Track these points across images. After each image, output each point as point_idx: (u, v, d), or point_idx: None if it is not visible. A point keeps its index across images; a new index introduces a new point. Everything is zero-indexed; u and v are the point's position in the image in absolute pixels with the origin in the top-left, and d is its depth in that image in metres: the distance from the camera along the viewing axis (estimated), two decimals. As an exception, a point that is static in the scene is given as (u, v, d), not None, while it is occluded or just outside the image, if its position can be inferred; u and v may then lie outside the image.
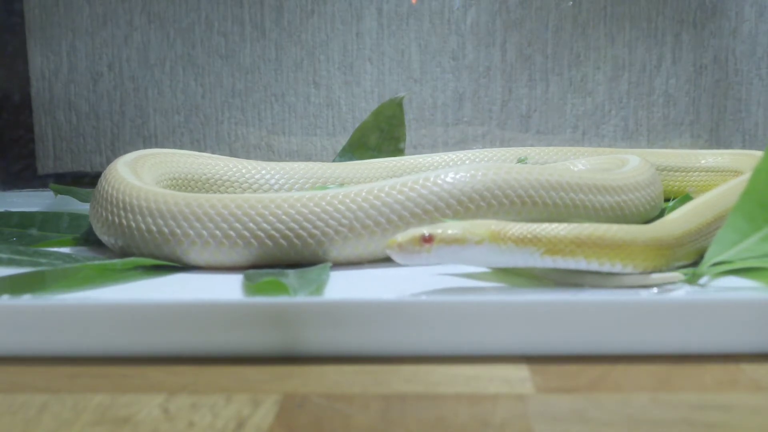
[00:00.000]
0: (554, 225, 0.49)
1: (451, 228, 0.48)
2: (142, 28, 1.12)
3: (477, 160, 0.90)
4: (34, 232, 0.70)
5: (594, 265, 0.48)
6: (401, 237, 0.47)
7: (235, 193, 0.77)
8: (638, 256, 0.49)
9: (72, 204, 0.84)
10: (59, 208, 0.83)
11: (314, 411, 0.35)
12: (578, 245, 0.48)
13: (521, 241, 0.48)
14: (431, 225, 0.49)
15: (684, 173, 0.88)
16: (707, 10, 1.07)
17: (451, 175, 0.60)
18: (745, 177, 0.59)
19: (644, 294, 0.48)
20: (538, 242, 0.48)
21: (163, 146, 1.12)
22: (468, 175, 0.60)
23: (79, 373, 0.40)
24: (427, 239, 0.47)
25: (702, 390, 0.37)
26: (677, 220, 0.53)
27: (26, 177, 1.14)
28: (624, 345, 0.41)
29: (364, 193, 0.58)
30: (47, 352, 0.42)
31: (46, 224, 0.72)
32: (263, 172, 0.79)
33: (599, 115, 1.09)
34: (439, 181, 0.59)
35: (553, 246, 0.48)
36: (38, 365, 0.41)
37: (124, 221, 0.59)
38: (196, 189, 0.76)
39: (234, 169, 0.78)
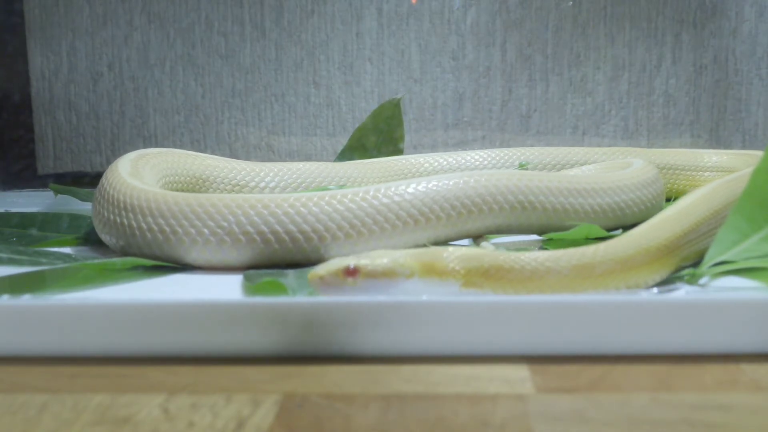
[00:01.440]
0: (474, 253, 0.45)
1: (380, 257, 0.43)
2: (142, 28, 1.12)
3: (478, 159, 0.90)
4: (34, 232, 0.70)
5: (502, 295, 0.45)
6: (323, 269, 0.43)
7: (235, 193, 0.77)
8: (551, 287, 0.46)
9: (72, 204, 0.84)
10: (59, 208, 0.83)
11: (314, 411, 0.35)
12: (487, 278, 0.45)
13: (444, 274, 0.45)
14: (359, 254, 0.44)
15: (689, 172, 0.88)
16: (707, 10, 1.07)
17: (451, 178, 0.60)
18: (678, 207, 0.55)
19: (644, 294, 0.48)
20: (457, 274, 0.45)
21: (163, 146, 1.12)
22: (463, 179, 0.61)
23: (79, 373, 0.40)
24: (351, 272, 0.42)
25: (702, 390, 0.37)
26: (612, 245, 0.48)
27: (26, 177, 1.14)
28: (624, 345, 0.41)
29: (361, 194, 0.58)
30: (47, 352, 0.42)
31: (46, 224, 0.72)
32: (263, 173, 0.79)
33: (599, 115, 1.09)
34: (440, 184, 0.60)
35: (468, 279, 0.45)
36: (38, 365, 0.41)
37: (125, 221, 0.59)
38: (197, 189, 0.76)
39: (234, 170, 0.78)
